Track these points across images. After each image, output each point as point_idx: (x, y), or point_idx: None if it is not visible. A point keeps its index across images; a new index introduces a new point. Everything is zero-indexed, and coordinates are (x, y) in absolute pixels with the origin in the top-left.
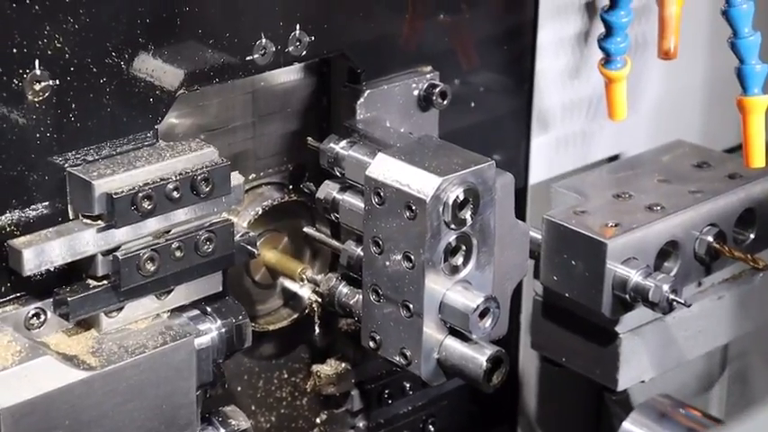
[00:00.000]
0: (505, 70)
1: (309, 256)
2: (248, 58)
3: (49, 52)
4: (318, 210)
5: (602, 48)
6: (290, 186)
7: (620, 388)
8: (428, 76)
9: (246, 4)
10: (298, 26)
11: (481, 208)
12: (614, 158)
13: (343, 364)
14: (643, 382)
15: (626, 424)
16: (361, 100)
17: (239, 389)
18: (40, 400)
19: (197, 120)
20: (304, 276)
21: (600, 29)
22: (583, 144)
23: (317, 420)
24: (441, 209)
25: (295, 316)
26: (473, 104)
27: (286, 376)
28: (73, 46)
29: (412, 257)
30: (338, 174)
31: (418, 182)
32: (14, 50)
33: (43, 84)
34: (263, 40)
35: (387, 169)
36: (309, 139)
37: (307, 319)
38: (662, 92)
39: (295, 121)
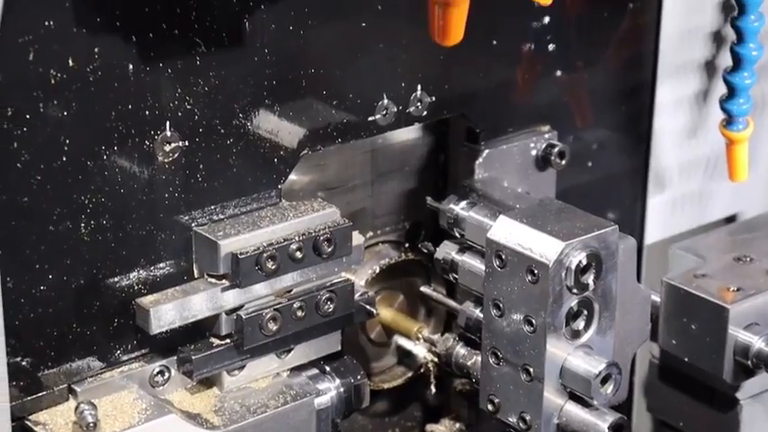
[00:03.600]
0: (623, 129)
1: (424, 315)
2: (370, 119)
3: (180, 114)
4: (436, 269)
5: (723, 109)
6: (407, 244)
7: None
8: (546, 135)
9: (370, 65)
10: (419, 87)
11: (603, 272)
12: (731, 218)
13: (458, 425)
14: None
15: None
16: (480, 160)
17: None
18: None
19: (317, 177)
20: (420, 336)
21: (719, 88)
22: (700, 204)
23: None
24: (563, 273)
25: (409, 374)
26: (590, 164)
27: None
28: (202, 108)
29: (533, 321)
30: (458, 234)
31: (541, 246)
32: (147, 113)
33: (173, 145)
34: (385, 101)
35: (509, 232)
36: (429, 198)
37: (421, 378)
38: None
39: (412, 179)
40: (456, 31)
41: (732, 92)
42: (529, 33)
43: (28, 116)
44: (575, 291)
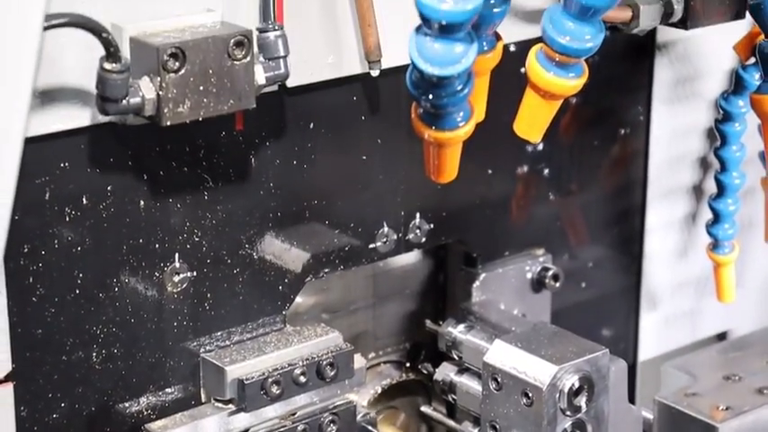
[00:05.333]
0: (615, 250)
1: None
2: (371, 246)
3: (188, 246)
4: (436, 390)
5: (710, 233)
6: (408, 365)
7: None
8: (541, 258)
9: (370, 196)
10: (418, 215)
11: (596, 395)
12: (722, 335)
13: None
14: None
15: None
16: (477, 283)
17: None
18: None
19: (320, 300)
20: None
21: (707, 211)
22: (692, 321)
23: None
24: (557, 396)
25: None
26: (584, 284)
27: None
28: (210, 240)
29: None
30: (456, 357)
31: (535, 369)
32: (157, 246)
33: (182, 275)
34: (386, 229)
35: (504, 356)
36: (428, 322)
37: None
38: None
39: (413, 301)
40: (450, 170)
41: (717, 217)
42: (524, 159)
43: (44, 252)
44: (568, 413)
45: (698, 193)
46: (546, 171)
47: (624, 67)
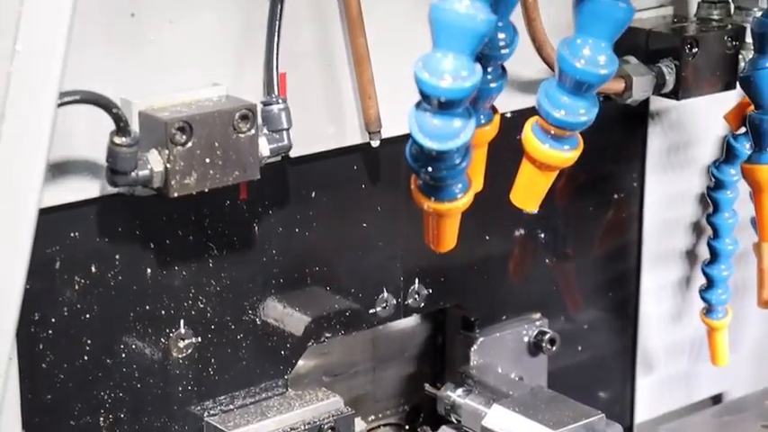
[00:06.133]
0: (611, 313)
1: None
2: (371, 311)
3: (193, 312)
4: None
5: (703, 298)
6: (407, 427)
7: None
8: (537, 323)
9: (370, 263)
10: (416, 281)
11: None
12: (717, 397)
13: None
14: None
15: None
16: (475, 347)
17: None
18: None
19: (321, 363)
20: None
21: (701, 275)
22: (687, 384)
23: None
24: None
25: None
26: (580, 347)
27: None
28: (214, 306)
29: None
30: (454, 420)
31: None
32: (163, 312)
33: (187, 341)
34: (385, 294)
35: (502, 420)
36: (427, 386)
37: None
38: (762, 335)
39: (412, 364)
40: (449, 240)
41: (711, 283)
42: (520, 224)
43: (53, 320)
44: None
45: (691, 257)
46: (542, 235)
47: (618, 135)
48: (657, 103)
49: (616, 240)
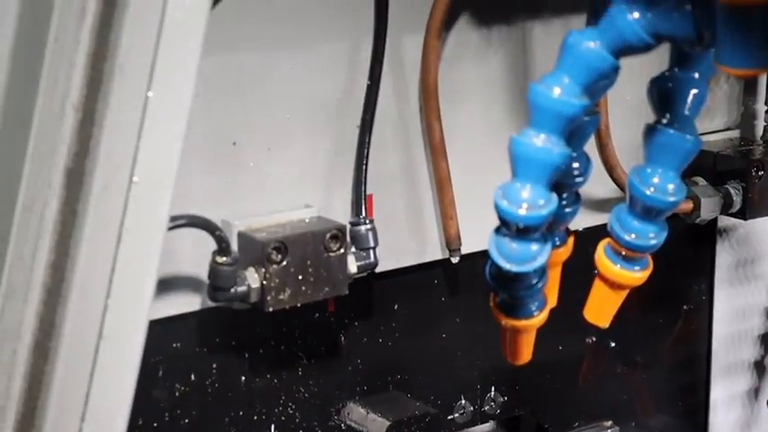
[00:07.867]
0: (681, 422)
1: None
2: (449, 417)
3: (283, 418)
4: None
5: None
6: None
7: None
8: (609, 430)
9: (449, 371)
10: (493, 388)
11: None
12: None
13: None
14: None
15: None
16: None
17: None
18: None
19: None
20: None
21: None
22: None
23: None
24: None
25: None
26: None
27: None
28: (303, 412)
29: None
30: None
31: None
32: (255, 417)
33: None
34: (463, 401)
35: None
36: None
37: None
38: None
39: None
40: (525, 354)
41: None
42: (591, 334)
43: (155, 425)
44: None
45: (760, 368)
46: (613, 345)
47: (687, 251)
48: (725, 220)
49: (686, 351)
